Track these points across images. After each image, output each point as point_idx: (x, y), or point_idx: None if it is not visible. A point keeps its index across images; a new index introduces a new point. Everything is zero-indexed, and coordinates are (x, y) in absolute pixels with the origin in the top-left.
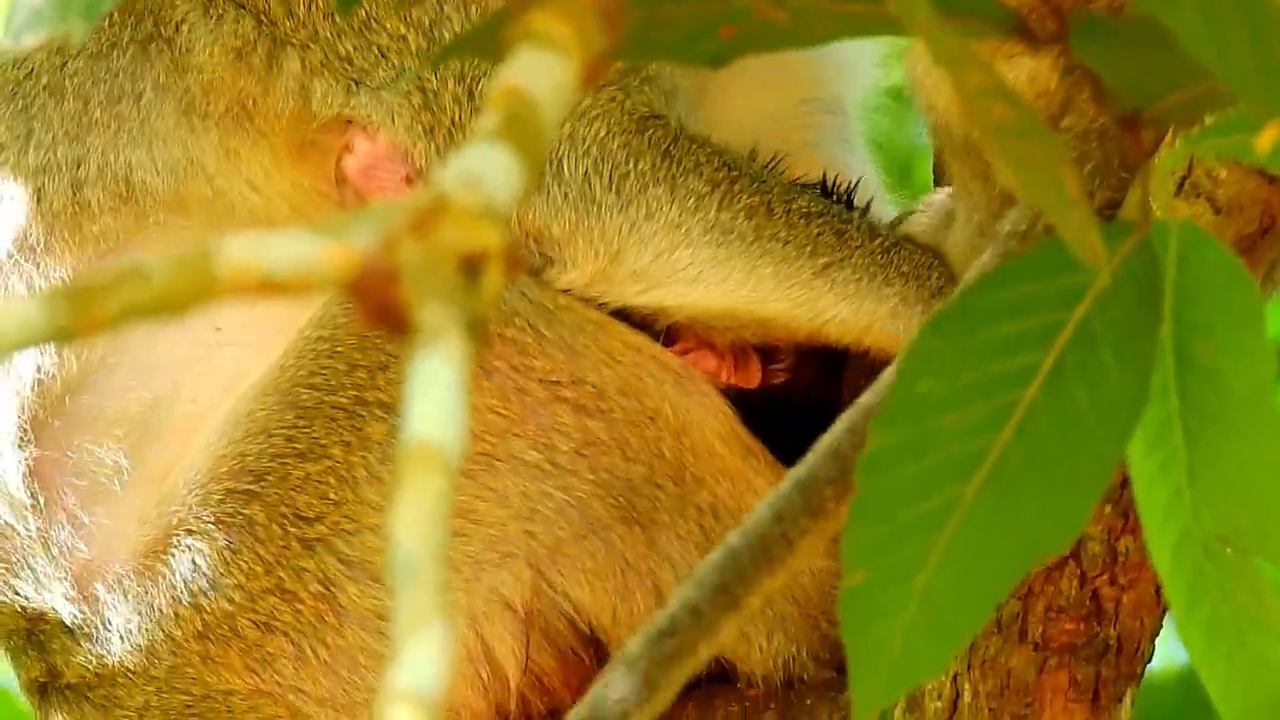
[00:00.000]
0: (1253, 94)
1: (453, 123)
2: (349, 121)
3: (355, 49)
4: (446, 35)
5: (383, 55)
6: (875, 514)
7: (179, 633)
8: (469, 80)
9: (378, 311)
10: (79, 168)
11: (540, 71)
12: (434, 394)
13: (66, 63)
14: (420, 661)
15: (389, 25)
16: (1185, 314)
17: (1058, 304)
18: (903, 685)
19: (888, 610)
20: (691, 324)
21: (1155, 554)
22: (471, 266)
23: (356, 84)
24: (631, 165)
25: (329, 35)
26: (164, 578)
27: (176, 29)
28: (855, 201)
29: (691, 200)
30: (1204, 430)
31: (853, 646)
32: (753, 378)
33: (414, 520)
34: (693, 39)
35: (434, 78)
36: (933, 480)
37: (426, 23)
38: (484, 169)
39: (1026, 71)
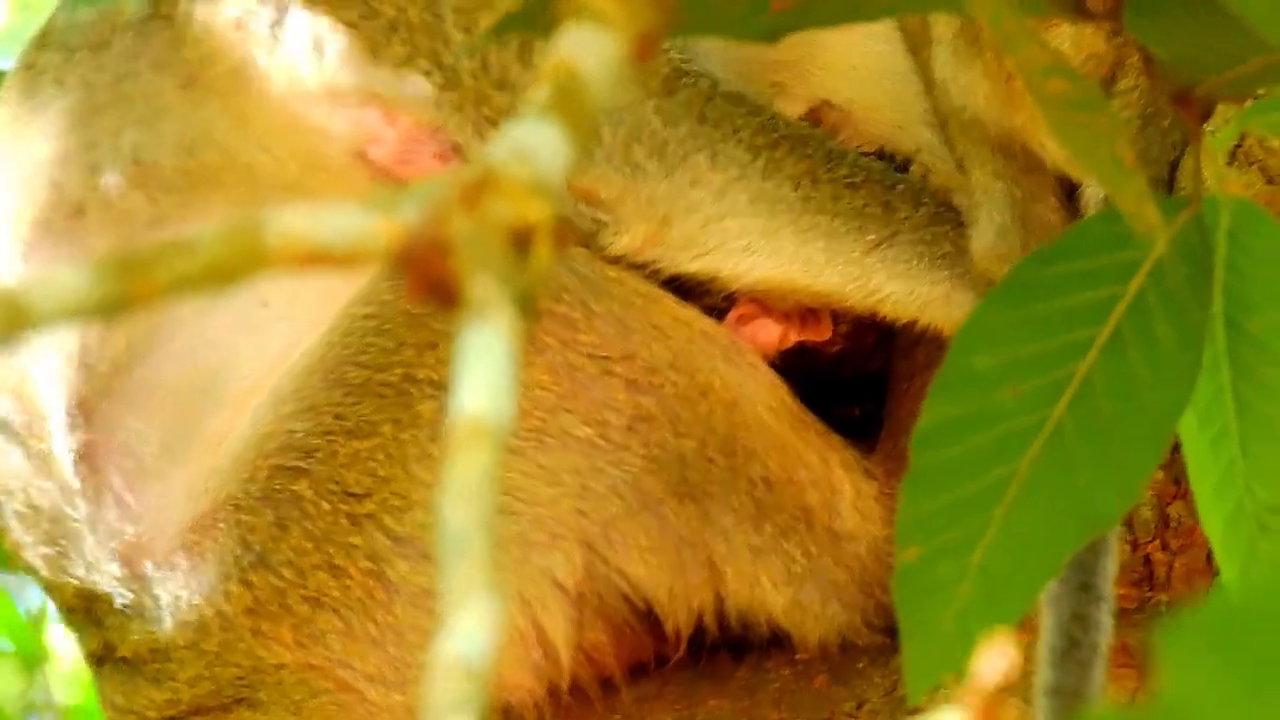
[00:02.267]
0: None
1: (476, 96)
2: (367, 99)
3: (361, 17)
4: (445, 10)
5: (392, 29)
6: (930, 490)
7: (229, 608)
8: (482, 53)
9: (427, 285)
10: (90, 152)
11: (590, 47)
12: (484, 368)
13: (71, 55)
14: (468, 632)
15: None
16: (1237, 288)
17: (1113, 278)
18: (956, 661)
19: (942, 586)
20: (751, 292)
21: (1208, 527)
22: (521, 240)
23: (374, 56)
24: (669, 131)
25: (334, 1)
26: (213, 553)
27: (175, 4)
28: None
29: (734, 169)
30: (1256, 403)
31: (906, 622)
32: (824, 330)
33: (462, 493)
34: (746, 13)
35: (447, 53)
36: (988, 455)
37: None
38: (533, 143)
39: (1070, 38)
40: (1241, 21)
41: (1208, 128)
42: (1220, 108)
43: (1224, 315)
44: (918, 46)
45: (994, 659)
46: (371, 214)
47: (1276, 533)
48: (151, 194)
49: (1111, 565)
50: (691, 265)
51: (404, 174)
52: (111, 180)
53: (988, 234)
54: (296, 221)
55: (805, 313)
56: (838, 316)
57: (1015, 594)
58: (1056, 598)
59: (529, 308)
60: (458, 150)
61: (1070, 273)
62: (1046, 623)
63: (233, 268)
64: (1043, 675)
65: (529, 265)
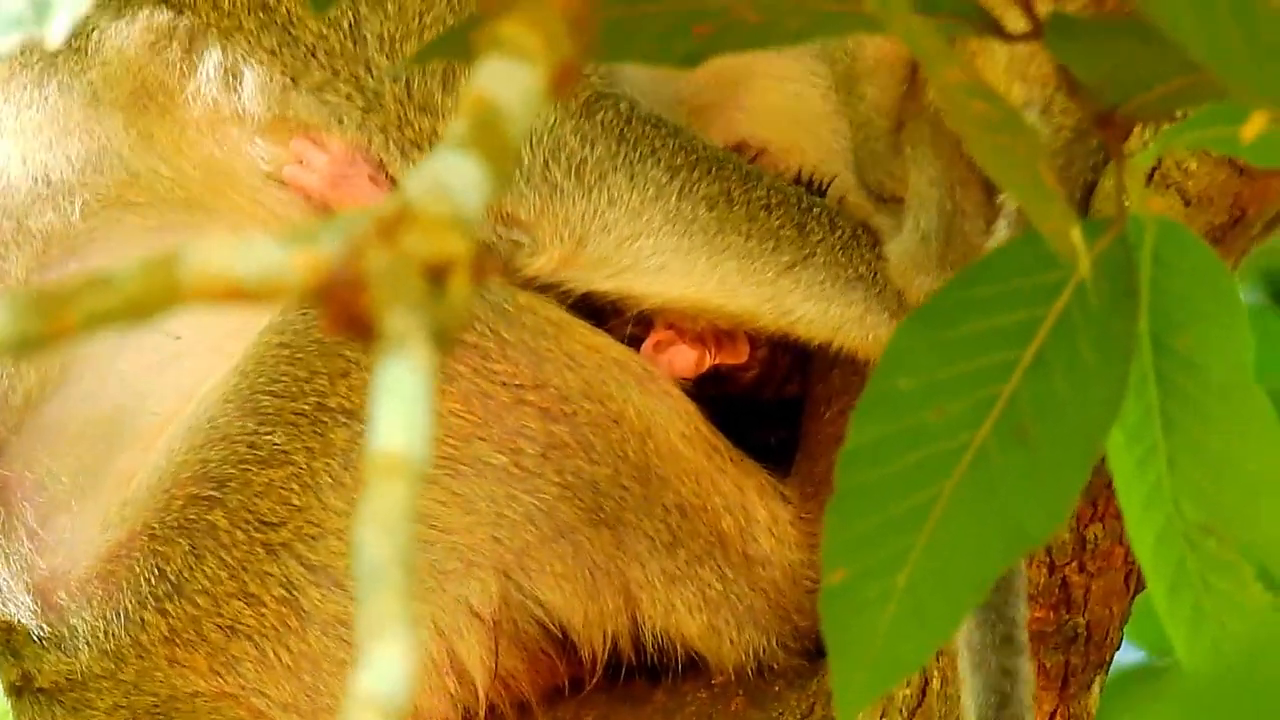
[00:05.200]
0: (1241, 83)
1: (400, 119)
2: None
3: (280, 45)
4: (368, 35)
5: (311, 54)
6: (855, 511)
7: (145, 637)
8: (405, 77)
9: (344, 319)
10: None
11: (508, 80)
12: (399, 401)
13: None
14: (385, 666)
15: (310, 24)
16: (1162, 307)
17: (1036, 299)
18: (885, 682)
19: (869, 607)
20: (664, 312)
21: (1137, 546)
22: (438, 275)
23: (294, 82)
24: (588, 151)
25: (252, 28)
26: (129, 583)
27: (86, 37)
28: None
29: (651, 189)
30: (1184, 420)
31: (834, 644)
32: (740, 353)
33: (379, 526)
34: (666, 39)
35: (370, 78)
36: (913, 477)
37: (345, 24)
38: (451, 177)
39: (1015, 56)
40: (1162, 42)
41: (1126, 149)
42: (1136, 130)
43: (1150, 334)
44: (846, 79)
45: None
46: (288, 248)
47: (1205, 550)
48: (63, 214)
49: (1025, 612)
50: (605, 284)
51: (335, 197)
52: (20, 200)
53: (910, 238)
54: (212, 255)
55: (721, 336)
56: (753, 340)
57: (942, 615)
58: (982, 654)
59: (445, 342)
60: (384, 170)
61: (993, 294)
62: (974, 680)
63: (149, 303)
64: None
65: (446, 299)
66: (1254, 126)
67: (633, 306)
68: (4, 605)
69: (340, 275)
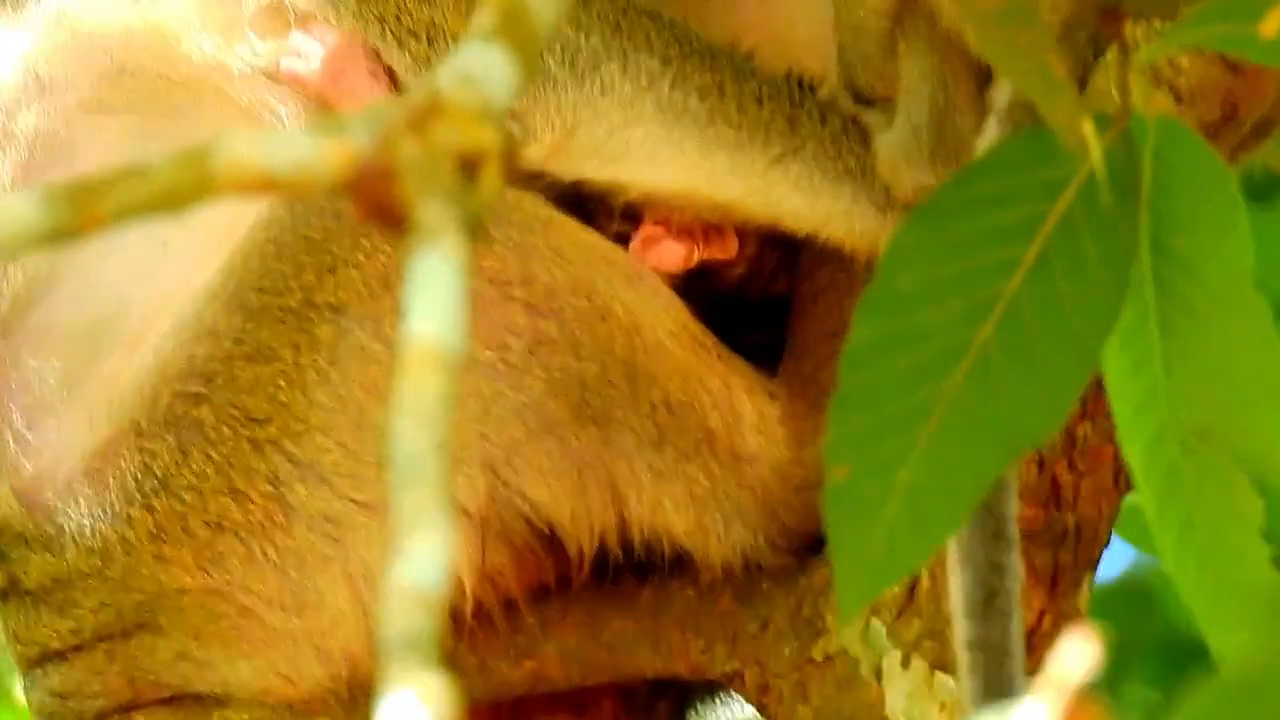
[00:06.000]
0: None
1: (398, 8)
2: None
3: None
4: None
5: None
6: (857, 409)
7: (132, 533)
8: None
9: (375, 210)
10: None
11: None
12: (434, 292)
13: None
14: (423, 557)
15: None
16: (1163, 207)
17: (1039, 196)
18: (887, 579)
19: (871, 505)
20: (652, 203)
21: (1127, 451)
22: (469, 165)
23: None
24: (582, 40)
25: None
26: (116, 480)
27: None
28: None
29: (644, 78)
30: (1181, 323)
31: (836, 542)
32: (729, 247)
33: (415, 417)
34: None
35: None
36: (915, 374)
37: None
38: (480, 68)
39: None
40: None
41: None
42: (1128, 26)
43: (1150, 235)
44: None
45: (1074, 652)
46: (319, 140)
47: (1199, 457)
48: (50, 114)
49: (1015, 508)
50: (595, 173)
51: (333, 91)
52: (9, 100)
53: (902, 131)
54: (245, 148)
55: (709, 231)
56: (741, 236)
57: (942, 514)
58: (970, 548)
59: (477, 232)
60: (381, 62)
61: (996, 191)
62: (963, 575)
63: (182, 194)
64: (964, 628)
65: (477, 190)
66: (1273, 23)
67: (621, 200)
68: None
69: (372, 166)
